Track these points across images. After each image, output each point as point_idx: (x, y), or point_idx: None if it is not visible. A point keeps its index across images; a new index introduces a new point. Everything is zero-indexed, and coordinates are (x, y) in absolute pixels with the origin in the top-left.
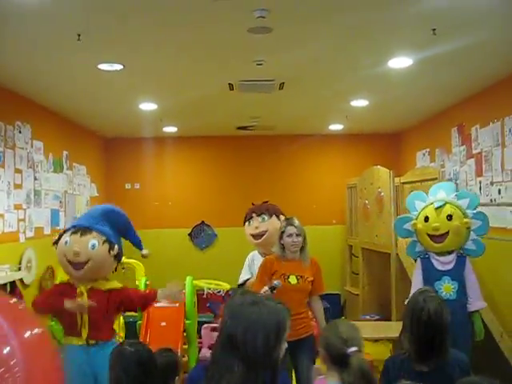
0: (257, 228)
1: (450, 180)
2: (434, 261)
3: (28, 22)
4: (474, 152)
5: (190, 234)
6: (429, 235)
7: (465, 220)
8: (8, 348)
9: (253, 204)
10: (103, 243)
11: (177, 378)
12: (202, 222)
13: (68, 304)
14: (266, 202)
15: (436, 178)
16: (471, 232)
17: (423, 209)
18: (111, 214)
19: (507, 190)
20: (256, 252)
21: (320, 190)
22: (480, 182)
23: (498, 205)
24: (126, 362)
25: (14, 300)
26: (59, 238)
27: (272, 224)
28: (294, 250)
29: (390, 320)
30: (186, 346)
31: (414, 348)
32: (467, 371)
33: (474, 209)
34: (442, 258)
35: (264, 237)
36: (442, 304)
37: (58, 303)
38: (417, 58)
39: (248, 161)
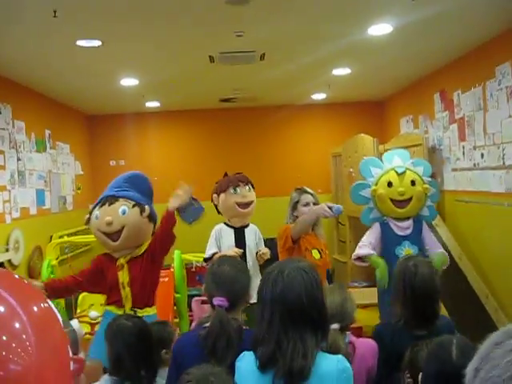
0: (245, 197)
1: (433, 146)
2: (393, 226)
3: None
4: (457, 117)
5: (177, 209)
6: (392, 200)
7: (425, 186)
8: (18, 323)
9: (226, 174)
10: (133, 207)
11: (164, 351)
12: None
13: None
14: (240, 173)
15: (420, 144)
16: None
17: (383, 175)
18: (135, 180)
19: (489, 154)
20: (223, 225)
21: (305, 159)
22: (463, 147)
23: (482, 169)
24: (126, 336)
25: (19, 276)
26: (90, 216)
27: (254, 196)
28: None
29: (376, 286)
30: (176, 320)
31: (410, 313)
32: (453, 332)
33: (428, 176)
34: (400, 223)
35: (251, 206)
36: (432, 267)
37: (101, 281)
38: (396, 24)
39: (232, 133)
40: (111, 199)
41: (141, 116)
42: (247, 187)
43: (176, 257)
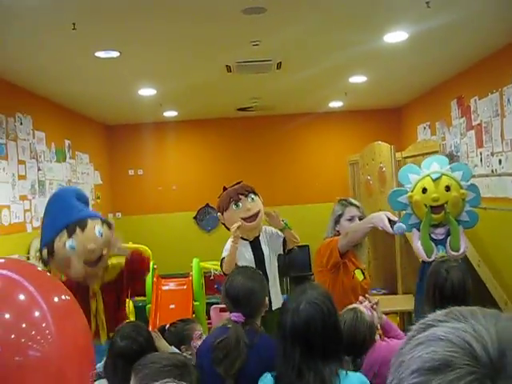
0: (249, 210)
1: (451, 152)
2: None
3: (24, 14)
4: (474, 123)
5: (195, 217)
6: (427, 206)
7: (461, 191)
8: (38, 312)
9: (225, 188)
10: (102, 225)
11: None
12: (207, 204)
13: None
14: (240, 182)
15: (437, 151)
16: (466, 203)
17: (419, 181)
18: (81, 195)
19: (508, 160)
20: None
21: (322, 167)
22: (481, 153)
23: (499, 175)
24: (115, 355)
25: (41, 268)
26: (51, 252)
27: (260, 203)
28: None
29: (396, 293)
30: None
31: None
32: None
33: (468, 181)
34: (436, 230)
35: (258, 217)
36: (464, 272)
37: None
38: (412, 31)
39: (250, 141)
40: (80, 223)
41: (159, 125)
42: (249, 198)
43: (194, 265)
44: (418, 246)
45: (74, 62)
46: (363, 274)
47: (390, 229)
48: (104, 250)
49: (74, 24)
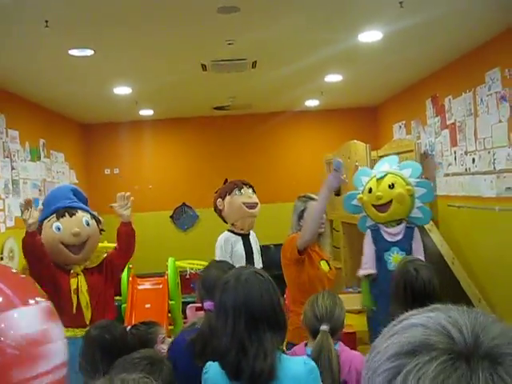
0: (251, 197)
1: (426, 151)
2: (383, 232)
3: None
4: (448, 122)
5: (171, 216)
6: (374, 206)
7: (407, 187)
8: (16, 313)
9: (226, 180)
10: (92, 218)
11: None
12: (183, 203)
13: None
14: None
15: (412, 150)
16: (416, 200)
17: (368, 182)
18: (77, 192)
19: (481, 159)
20: (228, 234)
21: (299, 166)
22: (455, 152)
23: (473, 174)
24: (90, 347)
25: (16, 270)
26: (40, 229)
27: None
28: (322, 230)
29: None
30: (171, 327)
31: None
32: None
33: (417, 177)
34: (390, 230)
35: (258, 207)
36: (431, 270)
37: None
38: (386, 31)
39: (226, 140)
40: (70, 210)
41: (135, 124)
42: (251, 189)
43: (170, 264)
44: (367, 243)
45: (47, 60)
46: (328, 264)
47: (335, 172)
48: (88, 240)
49: (46, 21)
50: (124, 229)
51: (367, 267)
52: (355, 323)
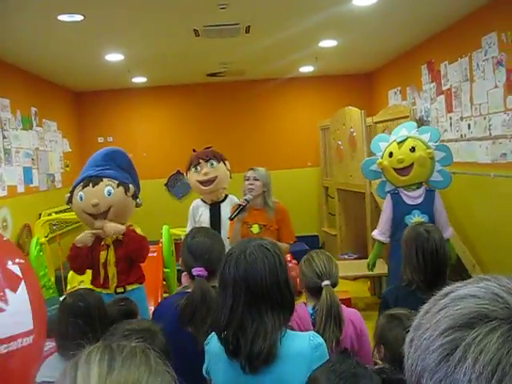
0: (206, 174)
1: (421, 117)
2: (403, 196)
3: None
4: (444, 88)
5: (166, 184)
6: (395, 170)
7: (428, 151)
8: None
9: (194, 150)
10: (118, 186)
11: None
12: (178, 171)
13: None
14: (210, 147)
15: (407, 116)
16: (436, 163)
17: (387, 147)
18: (113, 156)
19: (476, 125)
20: (198, 201)
21: (294, 133)
22: (450, 118)
23: (468, 140)
24: (64, 313)
25: None
26: (71, 196)
27: (221, 169)
28: (250, 193)
29: (366, 258)
30: (166, 295)
31: (422, 278)
32: None
33: (436, 142)
34: (411, 193)
35: (214, 183)
36: (441, 233)
37: (87, 258)
38: None
39: (220, 107)
40: (95, 179)
41: (128, 92)
42: (209, 163)
43: (164, 232)
44: (386, 206)
45: (36, 26)
46: (260, 228)
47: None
48: (111, 209)
49: None
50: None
51: (383, 233)
52: (351, 289)
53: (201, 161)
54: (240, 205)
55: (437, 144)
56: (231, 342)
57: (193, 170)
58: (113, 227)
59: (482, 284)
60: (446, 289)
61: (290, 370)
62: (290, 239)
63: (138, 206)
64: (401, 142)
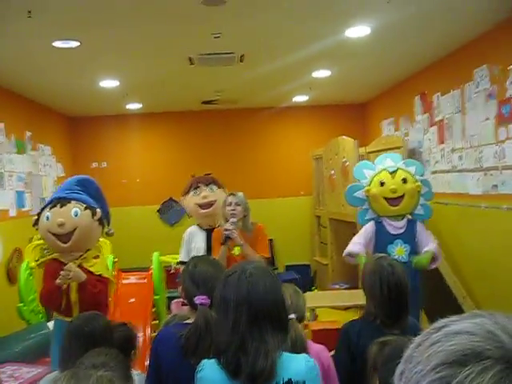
0: (205, 197)
1: (414, 148)
2: (386, 225)
3: None
4: (436, 119)
5: (158, 211)
6: (386, 199)
7: (417, 183)
8: None
9: (192, 176)
10: (85, 209)
11: (133, 351)
12: (170, 198)
13: (58, 280)
14: (209, 174)
15: (400, 147)
16: (420, 197)
17: (376, 175)
18: (84, 182)
19: (467, 157)
20: (193, 227)
21: (287, 161)
22: (442, 150)
23: (460, 171)
24: (68, 335)
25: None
26: (38, 217)
27: (220, 195)
28: (231, 218)
29: (358, 288)
30: (155, 322)
31: (385, 312)
32: (420, 331)
33: (421, 175)
34: (394, 223)
35: (213, 207)
36: (402, 267)
37: (54, 287)
38: (374, 26)
39: (214, 135)
40: (62, 201)
41: (122, 118)
42: (208, 188)
43: (154, 259)
44: (364, 230)
45: (31, 52)
46: (241, 250)
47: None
48: (76, 230)
49: (29, 12)
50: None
51: (354, 244)
52: (342, 319)
53: (200, 184)
54: (227, 229)
55: (421, 178)
56: (231, 363)
57: (192, 193)
58: (77, 274)
59: (477, 320)
60: (440, 322)
61: None
62: (264, 252)
63: (109, 234)
64: (393, 172)
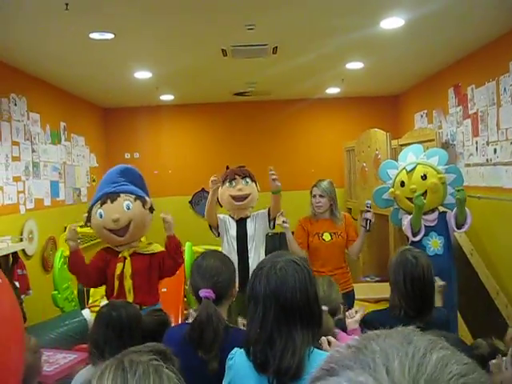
0: (240, 190)
1: (447, 141)
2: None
3: None
4: (471, 112)
5: (190, 202)
6: (408, 198)
7: (439, 176)
8: None
9: (228, 167)
10: (135, 200)
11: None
12: (202, 188)
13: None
14: (243, 166)
15: (433, 140)
16: (448, 186)
17: (397, 175)
18: (127, 172)
19: (502, 150)
20: (226, 216)
21: (318, 153)
22: (476, 142)
23: (494, 164)
24: (98, 323)
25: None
26: (89, 215)
27: (254, 188)
28: (318, 210)
29: (388, 281)
30: (186, 311)
31: (408, 304)
32: (448, 322)
33: (445, 164)
34: (426, 217)
35: (247, 199)
36: (428, 259)
37: (101, 271)
38: (408, 18)
39: (246, 127)
40: (112, 196)
41: (155, 109)
42: (244, 181)
43: (187, 249)
44: (406, 225)
45: (68, 44)
46: (331, 236)
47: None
48: (131, 223)
49: (66, 4)
50: (168, 242)
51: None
52: None
53: (236, 177)
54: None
55: (446, 166)
56: (259, 357)
57: (227, 184)
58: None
59: (362, 378)
60: (336, 361)
61: None
62: (355, 239)
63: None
64: (411, 171)
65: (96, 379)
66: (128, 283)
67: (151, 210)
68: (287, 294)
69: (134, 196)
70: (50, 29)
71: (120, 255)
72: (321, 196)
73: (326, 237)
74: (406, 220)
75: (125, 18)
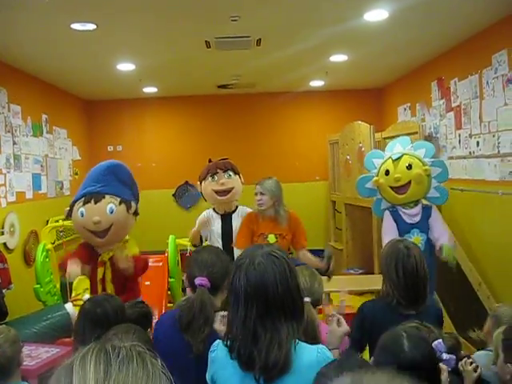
0: (223, 184)
1: (430, 134)
2: (401, 214)
3: None
4: (454, 105)
5: (174, 195)
6: (392, 188)
7: (424, 167)
8: None
9: (210, 160)
10: (120, 204)
11: (149, 329)
12: (186, 182)
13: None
14: (226, 158)
15: (416, 132)
16: (432, 179)
17: (382, 164)
18: (115, 169)
19: (485, 143)
20: (210, 210)
21: (302, 146)
22: (459, 135)
23: (477, 157)
24: (82, 319)
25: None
26: (71, 210)
27: (237, 182)
28: (260, 208)
29: (372, 273)
30: (170, 305)
31: (402, 294)
32: (440, 310)
33: (432, 157)
34: (408, 211)
35: (231, 193)
36: (420, 250)
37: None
38: (392, 10)
39: (230, 119)
40: (96, 196)
41: (138, 102)
42: (226, 174)
43: (170, 242)
44: (388, 222)
45: (49, 34)
46: (276, 238)
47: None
48: (112, 226)
49: None
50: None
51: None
52: (357, 304)
53: (218, 170)
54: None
55: (432, 160)
56: (244, 355)
57: (210, 179)
58: (123, 261)
59: None
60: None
61: (301, 382)
62: (304, 243)
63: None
64: (397, 160)
65: (78, 361)
66: (110, 287)
67: (135, 213)
68: (268, 289)
69: (119, 199)
70: (31, 19)
71: (100, 259)
72: (262, 194)
73: (271, 239)
74: (387, 222)
75: (107, 8)
